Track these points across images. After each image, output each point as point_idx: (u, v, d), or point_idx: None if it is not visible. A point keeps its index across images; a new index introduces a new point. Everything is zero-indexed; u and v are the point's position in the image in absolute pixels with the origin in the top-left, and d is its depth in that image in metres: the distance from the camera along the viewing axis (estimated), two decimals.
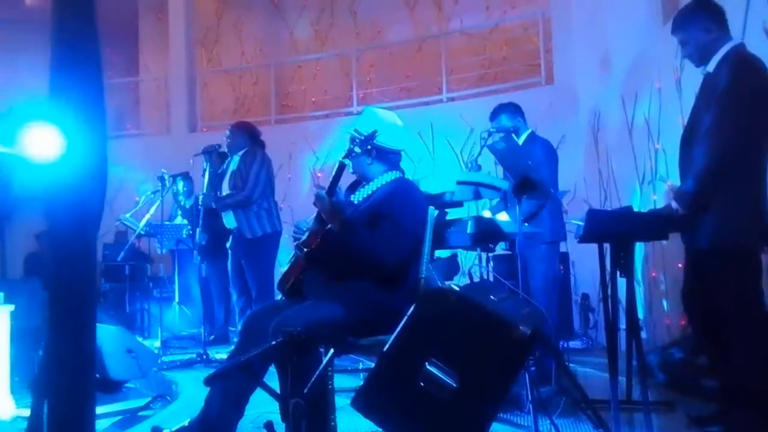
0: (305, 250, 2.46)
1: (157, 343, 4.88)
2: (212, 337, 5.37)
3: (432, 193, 3.05)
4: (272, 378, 2.22)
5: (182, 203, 5.97)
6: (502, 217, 3.45)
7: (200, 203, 4.72)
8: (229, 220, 4.65)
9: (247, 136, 4.79)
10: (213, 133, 7.49)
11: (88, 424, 1.02)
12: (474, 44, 7.82)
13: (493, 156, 3.47)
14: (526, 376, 2.59)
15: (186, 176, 5.62)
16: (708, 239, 2.48)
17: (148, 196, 5.42)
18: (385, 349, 1.98)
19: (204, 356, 4.51)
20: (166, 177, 5.00)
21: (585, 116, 5.68)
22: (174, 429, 2.44)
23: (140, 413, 3.24)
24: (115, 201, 6.46)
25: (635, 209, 3.84)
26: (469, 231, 3.06)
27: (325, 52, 8.83)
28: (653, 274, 4.30)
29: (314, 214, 2.49)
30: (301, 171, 7.30)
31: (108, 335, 3.78)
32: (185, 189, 5.92)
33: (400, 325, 1.98)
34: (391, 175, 2.58)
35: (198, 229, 4.77)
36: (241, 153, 4.71)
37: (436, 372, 1.89)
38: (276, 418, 2.05)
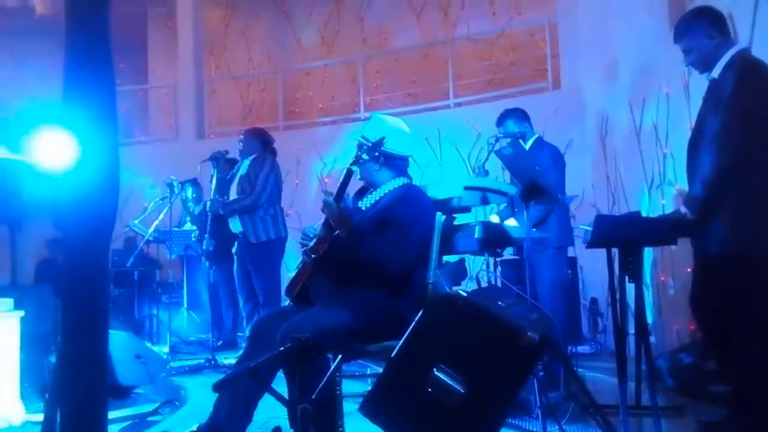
0: (313, 256, 2.47)
1: (166, 349, 4.90)
2: (220, 342, 5.39)
3: (439, 198, 3.05)
4: (280, 383, 2.23)
5: (191, 209, 6.00)
6: (510, 222, 3.45)
7: (208, 209, 4.74)
8: (235, 224, 4.66)
9: (259, 142, 4.81)
10: (221, 139, 7.53)
11: (100, 430, 1.03)
12: (481, 50, 7.82)
13: (500, 161, 3.47)
14: (535, 381, 2.59)
15: (195, 183, 5.64)
16: (718, 244, 2.47)
17: (157, 203, 5.45)
18: (392, 354, 1.98)
19: (212, 361, 4.52)
20: (174, 183, 5.03)
21: (592, 121, 5.67)
22: None
23: (149, 418, 3.24)
24: (124, 207, 6.49)
25: (644, 214, 3.83)
26: (476, 236, 3.06)
27: (332, 58, 8.86)
28: (662, 279, 4.28)
29: (322, 220, 2.50)
30: (308, 177, 7.32)
31: (117, 341, 3.79)
32: (194, 195, 5.95)
33: (408, 330, 1.98)
34: (399, 181, 2.59)
35: (206, 235, 4.79)
36: (251, 158, 4.73)
37: (443, 378, 1.89)
38: (284, 423, 2.05)
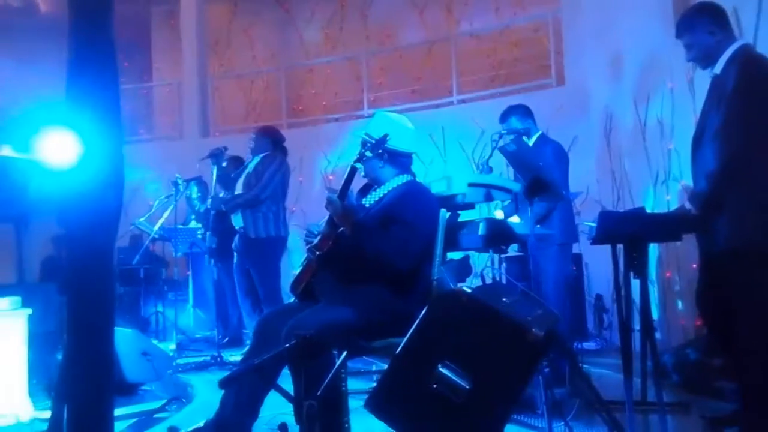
0: (317, 253, 2.47)
1: (172, 346, 4.92)
2: (226, 339, 5.41)
3: (443, 195, 3.05)
4: (286, 380, 2.24)
5: (197, 207, 6.01)
6: (513, 219, 3.44)
7: (209, 206, 4.75)
8: (236, 219, 4.66)
9: (270, 140, 4.81)
10: (225, 137, 7.55)
11: (106, 427, 1.03)
12: (484, 46, 7.81)
13: (504, 158, 3.47)
14: (540, 377, 2.59)
15: (200, 181, 5.66)
16: (723, 240, 2.46)
17: (162, 201, 5.47)
18: (397, 351, 1.99)
19: (218, 358, 4.54)
20: (179, 181, 5.05)
21: (597, 117, 5.65)
22: (189, 430, 2.46)
23: (156, 415, 3.26)
24: (129, 205, 6.51)
25: (648, 210, 3.82)
26: (480, 233, 3.06)
27: (335, 55, 8.86)
28: (667, 275, 4.27)
29: (326, 218, 2.50)
30: (312, 174, 7.33)
31: (123, 338, 3.81)
32: (199, 194, 5.96)
33: (413, 327, 1.98)
34: (403, 178, 2.59)
35: (208, 233, 4.80)
36: (261, 156, 4.73)
37: (449, 374, 1.89)
38: (290, 420, 2.06)
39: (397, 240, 2.36)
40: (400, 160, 2.59)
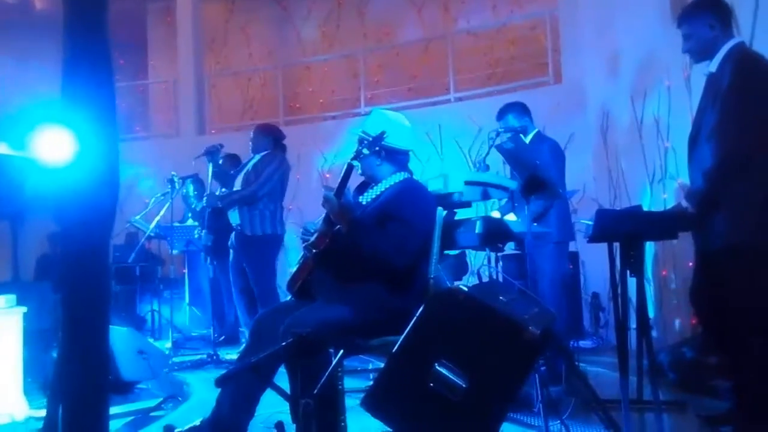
0: (314, 251, 2.47)
1: (168, 344, 4.91)
2: (222, 337, 5.40)
3: (440, 193, 3.05)
4: (282, 378, 2.23)
5: (193, 206, 6.00)
6: (510, 217, 3.44)
7: (205, 204, 4.74)
8: (233, 217, 4.65)
9: (271, 139, 4.79)
10: (221, 135, 7.53)
11: (102, 426, 1.03)
12: (481, 44, 7.81)
13: (501, 156, 3.46)
14: (536, 376, 2.59)
15: (196, 179, 5.64)
16: (719, 238, 2.47)
17: (158, 198, 5.45)
18: (394, 349, 1.98)
19: (214, 357, 4.54)
20: (175, 179, 5.03)
21: (593, 115, 5.66)
22: (185, 429, 2.45)
23: (152, 413, 3.25)
24: (125, 203, 6.51)
25: (645, 208, 3.82)
26: (477, 231, 3.06)
27: (332, 53, 8.85)
28: (664, 273, 4.28)
29: (322, 216, 2.50)
30: (309, 172, 7.32)
31: (119, 336, 3.80)
32: (195, 192, 5.95)
33: (410, 325, 1.98)
34: (399, 176, 2.58)
35: (204, 231, 4.79)
36: (261, 154, 4.72)
37: (445, 372, 1.89)
38: (286, 418, 2.06)
39: (394, 238, 2.36)
40: (398, 158, 2.59)
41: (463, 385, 1.87)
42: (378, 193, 2.58)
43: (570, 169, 3.78)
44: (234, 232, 4.65)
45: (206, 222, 4.72)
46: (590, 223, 2.72)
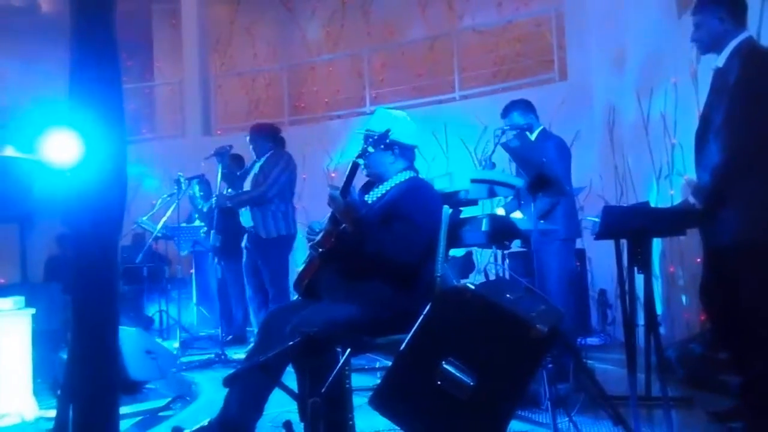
0: (320, 250, 2.47)
1: (176, 344, 4.93)
2: (230, 337, 5.41)
3: (446, 191, 3.05)
4: (290, 378, 2.24)
5: (200, 207, 6.02)
6: (516, 215, 3.44)
7: (214, 205, 4.76)
8: (246, 219, 4.67)
9: (270, 138, 4.81)
10: (228, 135, 7.54)
11: (112, 426, 1.03)
12: (486, 42, 7.79)
13: (506, 153, 3.46)
14: (544, 373, 2.59)
15: (202, 180, 5.66)
16: (727, 234, 2.45)
17: (165, 199, 5.47)
18: (401, 348, 1.98)
19: (222, 356, 4.55)
20: (182, 180, 5.05)
21: (599, 112, 5.64)
22: (194, 429, 2.46)
23: (160, 413, 3.27)
24: (132, 204, 6.53)
25: (652, 205, 3.81)
26: (483, 229, 3.06)
27: (337, 52, 8.85)
28: (671, 269, 4.26)
29: (328, 215, 2.50)
30: (315, 172, 7.32)
31: (128, 337, 3.82)
32: (201, 193, 5.97)
33: (417, 324, 1.98)
34: (405, 175, 2.58)
35: (212, 231, 4.80)
36: (266, 156, 4.74)
37: (453, 370, 1.89)
38: (294, 417, 2.07)
39: (400, 236, 2.36)
40: (405, 153, 2.59)
41: (471, 383, 1.87)
42: (384, 191, 2.58)
43: (576, 166, 3.77)
44: (247, 234, 4.68)
45: (215, 222, 4.75)
46: (597, 220, 2.71)
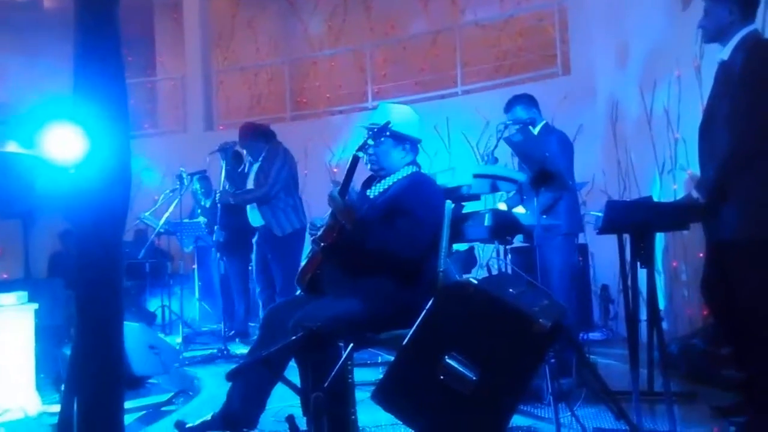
0: (322, 244, 2.47)
1: (179, 339, 4.94)
2: (233, 332, 5.42)
3: (449, 186, 3.04)
4: (293, 372, 2.24)
5: (202, 202, 6.03)
6: (518, 210, 3.43)
7: (217, 200, 4.77)
8: (255, 218, 4.69)
9: (261, 138, 4.82)
10: (229, 130, 7.54)
11: (116, 420, 1.04)
12: (488, 36, 7.77)
13: (509, 148, 3.45)
14: (547, 368, 2.59)
15: (203, 176, 5.67)
16: (730, 229, 2.45)
17: (167, 195, 5.48)
18: (404, 342, 1.99)
19: (225, 351, 4.56)
20: (184, 175, 5.06)
21: (602, 106, 5.62)
22: (197, 423, 2.47)
23: (163, 408, 3.28)
24: (134, 200, 6.53)
25: (655, 199, 3.80)
26: (486, 224, 3.05)
27: (339, 47, 8.83)
28: (674, 264, 4.26)
29: (330, 211, 2.50)
30: (317, 167, 7.32)
31: (130, 332, 3.82)
32: (202, 190, 5.97)
33: (419, 318, 1.98)
34: (408, 170, 2.58)
35: (216, 227, 4.82)
36: (263, 155, 4.75)
37: (455, 365, 1.89)
38: (297, 411, 2.07)
39: (403, 231, 2.36)
40: (408, 145, 2.59)
41: (474, 378, 1.87)
42: (386, 186, 2.57)
43: (579, 160, 3.76)
44: (258, 232, 4.70)
45: (218, 218, 4.76)
46: (600, 214, 2.71)
